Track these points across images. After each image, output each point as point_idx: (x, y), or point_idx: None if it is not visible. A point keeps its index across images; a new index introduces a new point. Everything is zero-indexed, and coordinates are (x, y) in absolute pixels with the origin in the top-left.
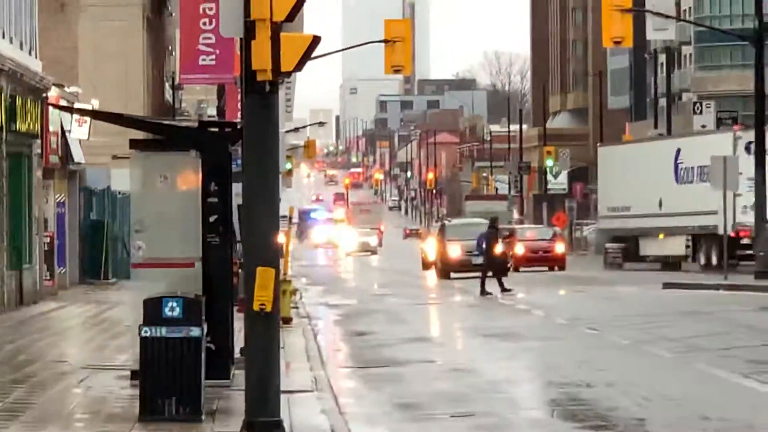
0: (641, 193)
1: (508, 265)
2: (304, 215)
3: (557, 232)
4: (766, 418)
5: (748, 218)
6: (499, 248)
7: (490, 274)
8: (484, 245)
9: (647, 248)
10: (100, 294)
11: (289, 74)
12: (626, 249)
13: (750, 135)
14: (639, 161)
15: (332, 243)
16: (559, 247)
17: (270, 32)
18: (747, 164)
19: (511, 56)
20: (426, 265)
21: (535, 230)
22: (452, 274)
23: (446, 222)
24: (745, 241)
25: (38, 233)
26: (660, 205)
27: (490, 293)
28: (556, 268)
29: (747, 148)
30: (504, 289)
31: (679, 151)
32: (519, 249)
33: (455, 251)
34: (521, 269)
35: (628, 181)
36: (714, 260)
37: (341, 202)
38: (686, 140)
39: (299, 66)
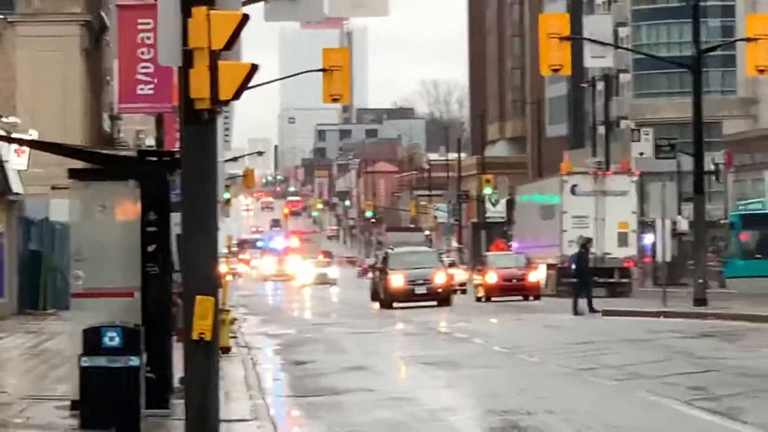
0: (528, 229)
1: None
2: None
3: (528, 260)
4: None
5: (573, 250)
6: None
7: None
8: (574, 266)
9: None
10: (38, 324)
11: (227, 102)
12: None
13: (574, 179)
14: (526, 203)
15: (285, 275)
16: (533, 276)
17: (208, 61)
18: (571, 204)
19: (449, 84)
20: (374, 296)
21: (507, 258)
22: (395, 304)
23: (388, 251)
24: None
25: None
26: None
27: (582, 313)
28: (530, 297)
29: (572, 191)
30: (592, 310)
31: (540, 194)
32: (491, 278)
33: (398, 280)
34: (492, 299)
35: (525, 219)
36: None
37: (277, 228)
38: (538, 183)
39: (237, 94)
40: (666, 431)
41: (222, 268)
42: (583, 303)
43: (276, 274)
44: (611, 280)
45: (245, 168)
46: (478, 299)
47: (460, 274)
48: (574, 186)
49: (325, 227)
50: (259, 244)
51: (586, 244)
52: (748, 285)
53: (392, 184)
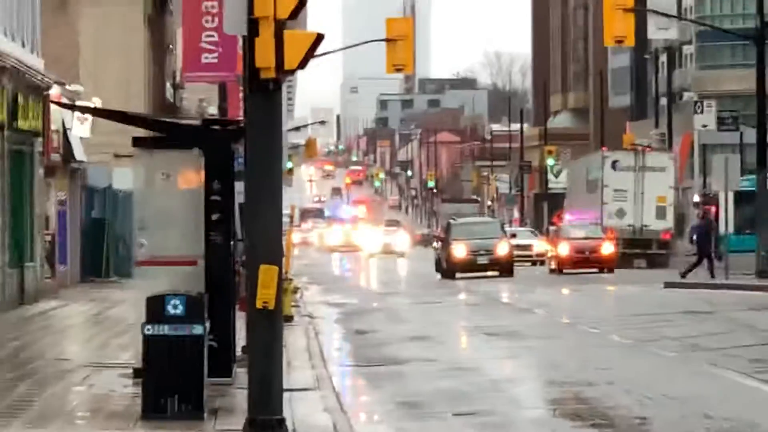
0: (577, 202)
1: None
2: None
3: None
4: None
5: (614, 222)
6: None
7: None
8: (695, 237)
9: None
10: (101, 292)
11: (292, 72)
12: None
13: (615, 155)
14: (576, 177)
15: (352, 245)
16: (607, 248)
17: (273, 30)
18: (611, 179)
19: (511, 55)
20: (438, 266)
21: (581, 228)
22: (457, 274)
23: (451, 221)
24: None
25: (40, 231)
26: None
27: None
28: (605, 270)
29: (613, 166)
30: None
31: (588, 168)
32: (563, 249)
33: (460, 251)
34: (565, 271)
35: (575, 192)
36: None
37: (338, 197)
38: (585, 158)
39: (303, 64)
40: (726, 402)
41: (295, 237)
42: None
43: (343, 245)
44: (650, 252)
45: (308, 137)
46: (552, 271)
47: (540, 245)
48: (615, 161)
49: (387, 197)
50: (326, 213)
51: (706, 214)
52: (741, 259)
53: (454, 154)
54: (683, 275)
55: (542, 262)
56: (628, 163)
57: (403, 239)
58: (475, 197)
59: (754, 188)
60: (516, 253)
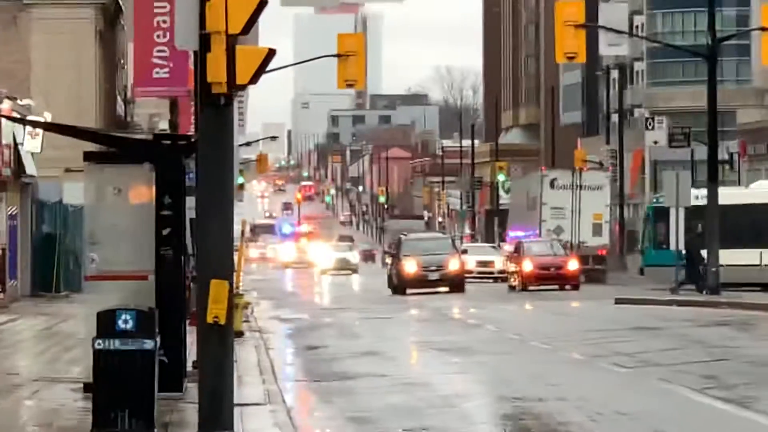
0: (518, 219)
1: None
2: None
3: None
4: None
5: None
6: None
7: None
8: (684, 251)
9: None
10: (51, 306)
11: (244, 87)
12: None
13: (553, 173)
14: (516, 194)
15: (306, 261)
16: (572, 264)
17: (225, 45)
18: (550, 197)
19: (463, 71)
20: (390, 282)
21: (543, 245)
22: (408, 290)
23: (402, 237)
24: None
25: None
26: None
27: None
28: (567, 286)
29: (551, 184)
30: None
31: (528, 186)
32: (527, 266)
33: (411, 267)
34: (530, 288)
35: (516, 210)
36: None
37: (289, 212)
38: (528, 177)
39: (254, 79)
40: (679, 419)
41: (253, 252)
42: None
43: (296, 261)
44: (587, 267)
45: (259, 152)
46: (512, 288)
47: (499, 261)
48: (553, 180)
49: (339, 213)
50: (282, 229)
51: (701, 233)
52: (659, 273)
53: (405, 170)
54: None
55: (504, 279)
56: (566, 182)
57: (356, 255)
58: (420, 214)
59: (667, 205)
60: (477, 270)
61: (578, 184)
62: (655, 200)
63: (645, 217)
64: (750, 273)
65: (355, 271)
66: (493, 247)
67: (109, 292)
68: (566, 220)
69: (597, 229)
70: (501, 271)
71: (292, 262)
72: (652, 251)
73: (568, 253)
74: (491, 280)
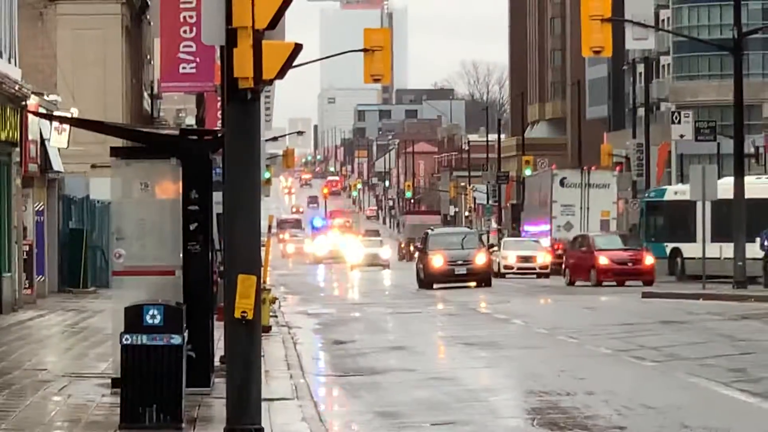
0: (532, 214)
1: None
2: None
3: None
4: (747, 426)
5: (561, 234)
6: None
7: None
8: (767, 243)
9: None
10: (79, 302)
11: (270, 82)
12: None
13: (563, 173)
14: (532, 191)
15: (338, 256)
16: (648, 259)
17: (252, 40)
18: (560, 194)
19: (489, 66)
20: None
21: (614, 238)
22: (435, 285)
23: (429, 231)
24: (559, 252)
25: (17, 241)
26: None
27: None
28: (642, 282)
29: (561, 183)
30: None
31: (540, 184)
32: (602, 260)
33: (438, 261)
34: (604, 283)
35: (530, 206)
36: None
37: (314, 205)
38: (540, 175)
39: (281, 74)
40: (704, 412)
41: (289, 247)
42: None
43: (329, 256)
44: None
45: (285, 148)
46: (571, 283)
47: (545, 256)
48: (563, 179)
49: (365, 208)
50: (314, 224)
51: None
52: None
53: (431, 164)
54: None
55: (546, 275)
56: (575, 181)
57: (388, 250)
58: (437, 210)
59: (662, 198)
60: (518, 265)
61: (587, 182)
62: (647, 195)
63: (640, 210)
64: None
65: (386, 266)
66: (535, 241)
67: (137, 288)
68: (575, 217)
69: (605, 225)
70: (543, 266)
71: (325, 257)
72: (644, 244)
73: (639, 248)
74: (534, 276)
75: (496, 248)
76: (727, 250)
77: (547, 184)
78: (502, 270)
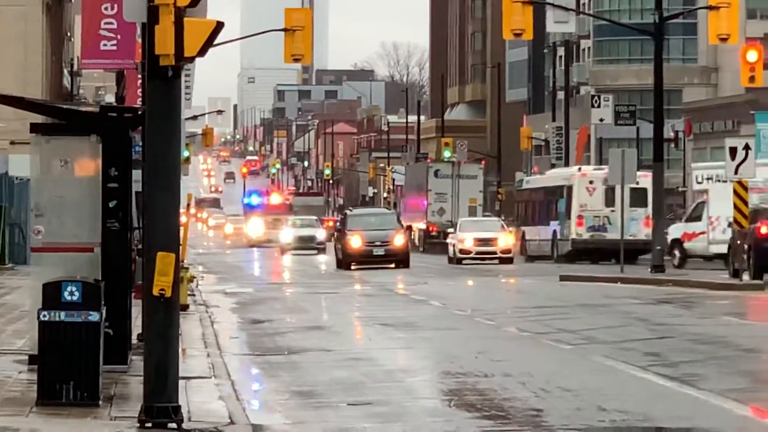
0: (410, 199)
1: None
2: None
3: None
4: (663, 409)
5: (435, 219)
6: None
7: None
8: None
9: None
10: None
11: (192, 59)
12: None
13: (437, 165)
14: (411, 179)
15: (270, 239)
16: (503, 240)
17: (173, 17)
18: (434, 184)
19: (409, 47)
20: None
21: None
22: (353, 265)
23: (347, 212)
24: (434, 233)
25: None
26: None
27: None
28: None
29: (435, 174)
30: None
31: (417, 174)
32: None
33: (356, 242)
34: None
35: (408, 191)
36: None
37: (231, 180)
38: (417, 166)
39: (202, 51)
40: (621, 395)
41: (228, 228)
42: None
43: (265, 239)
44: None
45: (205, 127)
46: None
47: (506, 238)
48: (437, 170)
49: (284, 188)
50: (245, 200)
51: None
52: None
53: (351, 145)
54: None
55: (510, 259)
56: (447, 172)
57: (323, 232)
58: (319, 191)
59: (521, 187)
60: (477, 249)
61: (457, 174)
62: (518, 183)
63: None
64: (545, 246)
65: (321, 250)
66: (495, 220)
67: (55, 265)
68: (447, 204)
69: (472, 211)
70: (505, 250)
71: (261, 240)
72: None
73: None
74: (496, 261)
75: (452, 231)
76: (544, 232)
77: (423, 175)
78: (458, 255)
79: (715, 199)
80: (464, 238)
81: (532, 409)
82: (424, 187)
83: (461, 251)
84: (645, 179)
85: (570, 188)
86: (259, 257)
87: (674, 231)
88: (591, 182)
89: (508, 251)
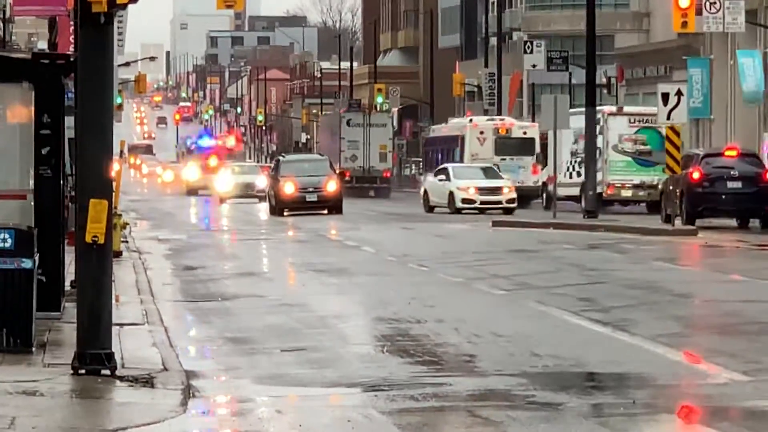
0: (325, 147)
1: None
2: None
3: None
4: (596, 355)
5: (348, 165)
6: None
7: None
8: None
9: None
10: None
11: (124, 6)
12: None
13: (349, 114)
14: (325, 128)
15: (210, 186)
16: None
17: None
18: (347, 132)
19: None
20: (269, 204)
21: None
22: (285, 211)
23: (280, 158)
24: (347, 179)
25: None
26: None
27: None
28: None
29: (347, 123)
30: None
31: (331, 123)
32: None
33: (289, 188)
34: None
35: (323, 139)
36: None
37: (163, 125)
38: (331, 115)
39: None
40: (555, 341)
41: (168, 175)
42: None
43: (203, 185)
44: (375, 185)
45: (137, 73)
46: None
47: (510, 186)
48: (349, 119)
49: (216, 134)
50: (188, 142)
51: None
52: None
53: (284, 92)
54: None
55: (513, 210)
56: (359, 121)
57: (264, 180)
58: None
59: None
60: (482, 198)
61: (368, 122)
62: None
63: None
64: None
65: (262, 198)
66: (490, 166)
67: None
68: (359, 150)
69: (383, 157)
70: (510, 200)
71: (199, 185)
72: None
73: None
74: (500, 211)
75: (443, 177)
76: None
77: (336, 124)
78: (459, 204)
79: (562, 144)
80: (467, 186)
81: (465, 355)
82: (338, 136)
83: (463, 200)
84: (532, 129)
85: (463, 138)
86: (196, 204)
87: (543, 175)
88: (482, 132)
89: (513, 201)
